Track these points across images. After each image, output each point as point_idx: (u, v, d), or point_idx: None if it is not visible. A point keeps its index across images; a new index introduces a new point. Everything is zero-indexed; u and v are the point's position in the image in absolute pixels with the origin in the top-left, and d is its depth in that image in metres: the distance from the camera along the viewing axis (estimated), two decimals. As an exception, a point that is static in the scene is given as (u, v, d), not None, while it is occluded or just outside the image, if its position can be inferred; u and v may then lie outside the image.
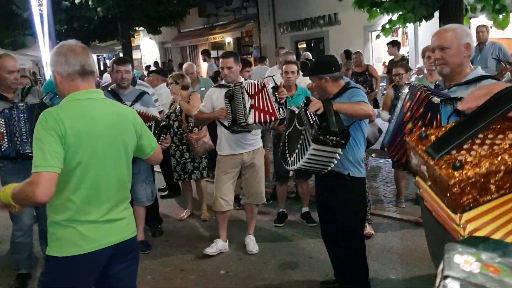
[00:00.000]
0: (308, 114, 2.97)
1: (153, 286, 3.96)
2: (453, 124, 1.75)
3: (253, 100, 3.97)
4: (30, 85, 4.89)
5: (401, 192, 5.44)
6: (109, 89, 4.49)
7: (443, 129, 1.75)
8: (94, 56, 19.74)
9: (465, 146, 1.58)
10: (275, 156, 5.13)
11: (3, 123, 3.67)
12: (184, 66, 6.39)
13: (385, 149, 2.74)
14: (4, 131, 3.66)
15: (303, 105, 3.14)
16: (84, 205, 2.10)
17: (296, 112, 3.26)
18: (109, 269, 2.23)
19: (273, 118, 3.97)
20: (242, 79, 4.29)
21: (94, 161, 2.10)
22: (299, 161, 3.08)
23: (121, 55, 22.24)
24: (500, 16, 7.22)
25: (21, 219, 3.89)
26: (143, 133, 2.36)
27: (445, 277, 1.04)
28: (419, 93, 2.41)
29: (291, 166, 3.24)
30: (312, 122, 2.90)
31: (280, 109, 4.00)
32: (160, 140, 4.28)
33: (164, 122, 4.37)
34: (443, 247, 1.14)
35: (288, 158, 3.32)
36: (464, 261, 1.07)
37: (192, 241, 4.90)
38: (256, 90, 3.99)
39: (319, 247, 4.31)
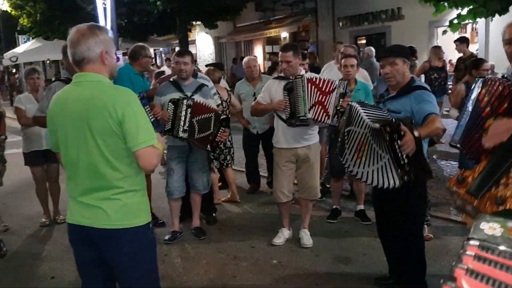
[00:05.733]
0: (398, 151, 2.74)
1: (207, 270, 4.06)
2: (485, 163, 1.86)
3: (322, 96, 3.93)
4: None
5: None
6: (171, 79, 4.63)
7: (477, 169, 1.86)
8: (151, 50, 20.26)
9: (502, 181, 1.65)
10: (331, 152, 5.09)
11: None
12: (245, 60, 6.15)
13: (456, 145, 2.65)
14: None
15: (389, 129, 2.73)
16: (68, 181, 2.30)
17: (369, 124, 2.92)
18: (104, 255, 2.29)
19: (326, 120, 3.95)
20: (303, 72, 4.28)
21: (67, 143, 2.24)
22: (368, 175, 3.00)
23: (177, 49, 22.78)
24: None
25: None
26: (124, 122, 2.11)
27: (468, 239, 1.15)
28: (500, 87, 2.30)
29: (351, 167, 3.18)
30: (402, 163, 2.75)
31: (335, 116, 3.96)
32: (219, 132, 4.38)
33: (224, 115, 4.46)
34: None
35: (348, 155, 3.23)
36: (489, 227, 1.18)
37: (244, 230, 4.98)
38: (330, 89, 3.96)
39: (373, 245, 4.26)
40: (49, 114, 2.33)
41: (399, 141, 2.68)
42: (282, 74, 4.36)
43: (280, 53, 4.27)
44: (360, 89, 4.75)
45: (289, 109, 4.02)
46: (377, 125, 2.77)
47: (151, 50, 6.43)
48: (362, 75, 5.33)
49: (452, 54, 10.96)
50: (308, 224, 4.59)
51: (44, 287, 3.88)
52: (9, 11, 18.80)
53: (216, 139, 4.42)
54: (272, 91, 4.28)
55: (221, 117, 4.42)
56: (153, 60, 16.58)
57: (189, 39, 18.92)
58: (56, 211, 5.44)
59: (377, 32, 15.37)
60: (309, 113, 3.89)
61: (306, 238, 4.48)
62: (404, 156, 2.72)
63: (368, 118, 2.91)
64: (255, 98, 5.15)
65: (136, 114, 2.14)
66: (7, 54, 19.08)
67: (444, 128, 2.99)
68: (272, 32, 18.88)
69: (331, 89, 3.96)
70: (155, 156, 2.19)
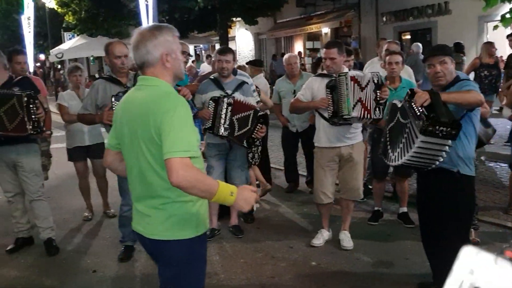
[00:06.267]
0: (414, 106, 2.84)
1: (245, 269, 4.03)
2: None
3: (362, 93, 3.85)
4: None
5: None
6: (212, 77, 4.62)
7: None
8: (191, 46, 20.49)
9: None
10: (373, 152, 4.96)
11: (117, 105, 3.91)
12: (285, 56, 6.05)
13: None
14: None
15: (407, 97, 3.00)
16: (129, 184, 2.27)
17: (399, 106, 3.13)
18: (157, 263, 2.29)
19: (368, 116, 3.87)
20: (346, 69, 4.18)
21: (124, 147, 2.21)
22: (404, 155, 2.97)
23: (217, 46, 22.93)
24: None
25: (128, 195, 4.14)
26: (161, 130, 1.98)
27: None
28: None
29: (394, 161, 3.15)
30: (419, 113, 2.78)
31: (377, 109, 3.87)
32: (256, 129, 4.34)
33: (262, 112, 4.42)
34: None
35: (391, 154, 3.22)
36: None
37: (282, 229, 4.92)
38: (366, 83, 3.88)
39: (416, 249, 4.11)
40: (114, 114, 2.34)
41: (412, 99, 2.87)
42: (325, 71, 4.27)
43: (324, 49, 4.18)
44: (405, 87, 4.58)
45: (331, 108, 3.94)
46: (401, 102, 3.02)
47: (191, 47, 6.44)
48: (406, 72, 5.16)
49: (503, 51, 10.48)
50: (349, 225, 4.49)
51: (86, 280, 3.96)
52: (56, 9, 19.43)
53: (253, 136, 4.38)
54: (314, 88, 4.19)
55: (259, 114, 4.37)
56: (189, 56, 16.67)
57: (229, 35, 18.99)
58: (105, 204, 5.56)
59: (423, 28, 14.94)
60: (353, 111, 3.79)
61: (347, 240, 4.38)
62: (418, 107, 2.81)
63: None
64: (295, 96, 5.08)
65: (172, 122, 1.96)
66: (53, 51, 19.75)
67: (481, 100, 2.97)
68: (313, 28, 18.71)
69: (366, 83, 3.89)
70: (182, 170, 1.90)
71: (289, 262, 4.15)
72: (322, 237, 4.47)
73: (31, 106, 4.00)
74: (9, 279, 4.01)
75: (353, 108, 3.83)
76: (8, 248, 4.53)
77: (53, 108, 6.90)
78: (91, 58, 19.20)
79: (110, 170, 2.45)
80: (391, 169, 4.95)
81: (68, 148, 5.38)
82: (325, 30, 18.60)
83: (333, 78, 3.97)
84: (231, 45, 21.56)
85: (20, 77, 4.44)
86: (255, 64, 6.87)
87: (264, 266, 4.09)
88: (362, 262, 4.09)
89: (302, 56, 18.76)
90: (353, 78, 3.86)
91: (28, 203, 4.49)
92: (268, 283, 3.79)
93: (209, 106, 4.26)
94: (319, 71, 4.94)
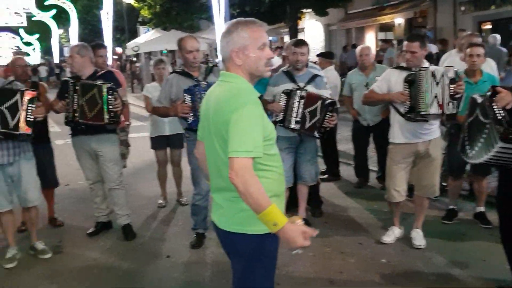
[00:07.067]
0: (495, 108, 2.70)
1: (313, 262, 4.04)
2: None
3: (436, 88, 3.72)
4: (214, 64, 5.31)
5: None
6: (284, 69, 4.63)
7: None
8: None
9: None
10: (450, 148, 4.75)
11: (189, 98, 4.05)
12: (358, 48, 5.91)
13: None
14: (190, 106, 4.05)
15: (488, 96, 2.85)
16: (209, 175, 2.31)
17: (479, 101, 2.98)
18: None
19: (441, 111, 3.74)
20: (427, 64, 4.02)
21: (204, 140, 2.27)
22: (482, 156, 2.83)
23: (286, 38, 22.84)
24: None
25: (200, 185, 4.29)
26: (228, 128, 2.01)
27: None
28: None
29: (472, 159, 3.01)
30: (500, 117, 2.65)
31: (450, 104, 3.72)
32: (326, 118, 4.29)
33: (330, 100, 4.35)
34: None
35: (469, 150, 3.10)
36: None
37: (351, 225, 4.87)
38: (440, 78, 3.74)
39: (494, 251, 3.91)
40: (201, 108, 2.38)
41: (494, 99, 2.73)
42: (403, 64, 4.14)
43: (405, 42, 4.05)
44: (487, 81, 4.34)
45: (408, 103, 3.82)
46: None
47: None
48: (489, 66, 4.88)
49: None
50: (422, 224, 4.34)
51: (161, 265, 4.15)
52: (132, 4, 20.29)
53: (323, 125, 4.33)
54: (391, 81, 4.07)
55: (327, 102, 4.31)
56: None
57: (298, 27, 18.87)
58: (179, 193, 5.78)
59: (506, 17, 13.98)
60: (430, 108, 3.66)
61: (419, 238, 4.24)
62: (499, 110, 2.68)
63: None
64: (368, 89, 4.97)
65: (239, 121, 1.97)
66: (130, 44, 20.61)
67: None
68: (385, 19, 18.12)
69: (440, 77, 3.75)
70: (241, 172, 1.92)
71: (358, 258, 4.10)
72: (393, 234, 4.37)
73: (109, 97, 4.22)
74: (90, 260, 4.28)
75: (430, 105, 3.70)
76: (89, 231, 4.84)
77: (130, 99, 7.24)
78: (164, 51, 19.86)
79: (199, 161, 2.48)
80: (468, 166, 4.72)
81: (151, 137, 5.65)
82: (399, 20, 17.94)
83: (412, 72, 3.85)
84: (300, 37, 21.42)
85: (104, 70, 4.69)
86: (326, 56, 6.79)
87: (332, 260, 4.08)
88: (435, 262, 3.96)
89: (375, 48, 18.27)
90: (432, 74, 3.74)
91: (107, 190, 4.76)
92: (336, 278, 3.77)
93: (281, 99, 4.28)
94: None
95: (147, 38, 20.06)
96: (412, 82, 3.78)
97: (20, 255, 4.28)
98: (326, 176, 6.44)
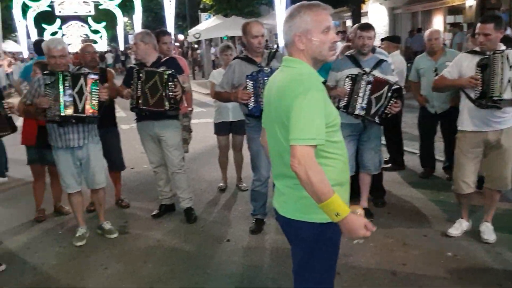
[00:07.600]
0: None
1: (375, 253, 3.94)
2: None
3: (510, 72, 3.48)
4: (276, 49, 5.25)
5: None
6: (348, 54, 4.50)
7: None
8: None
9: None
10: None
11: (251, 84, 4.03)
12: (426, 32, 5.63)
13: None
14: (252, 92, 4.03)
15: None
16: (271, 161, 2.29)
17: None
18: None
19: None
20: (503, 47, 3.76)
21: (266, 126, 2.25)
22: None
23: (348, 22, 22.30)
24: None
25: (260, 171, 4.30)
26: (289, 115, 1.96)
27: None
28: None
29: None
30: None
31: None
32: (390, 103, 4.14)
33: (397, 86, 4.19)
34: None
35: None
36: None
37: (415, 216, 4.70)
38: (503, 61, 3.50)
39: None
40: (264, 94, 2.35)
41: None
42: (477, 48, 3.90)
43: (478, 24, 3.81)
44: None
45: (480, 88, 3.60)
46: None
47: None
48: None
49: None
50: (492, 217, 4.12)
51: (221, 248, 4.21)
52: (193, -10, 20.57)
53: (386, 111, 4.18)
54: (463, 66, 3.86)
55: (393, 88, 4.15)
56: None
57: (361, 11, 18.35)
58: (238, 178, 5.84)
59: None
60: (504, 93, 3.43)
61: (489, 232, 4.03)
62: None
63: None
64: (436, 74, 4.74)
65: (301, 108, 1.92)
66: (191, 31, 20.98)
67: None
68: (455, 1, 17.19)
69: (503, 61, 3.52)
70: (303, 160, 1.87)
71: (422, 250, 3.96)
72: (461, 227, 4.17)
73: (169, 83, 4.30)
74: (154, 241, 4.42)
75: (504, 90, 3.47)
76: (153, 213, 5.01)
77: (192, 86, 7.36)
78: (225, 37, 20.03)
79: (264, 148, 2.45)
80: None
81: (215, 122, 5.74)
82: (470, 2, 16.96)
83: (486, 56, 3.62)
84: (363, 21, 20.81)
85: (167, 57, 4.78)
86: (393, 40, 6.53)
87: (395, 252, 3.96)
88: (505, 257, 3.75)
89: (444, 31, 17.41)
90: (507, 57, 3.50)
91: (170, 174, 4.87)
92: (399, 270, 3.66)
93: (345, 84, 4.17)
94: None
95: (208, 24, 20.31)
96: (485, 67, 3.56)
97: (89, 234, 4.50)
98: (389, 165, 6.25)
